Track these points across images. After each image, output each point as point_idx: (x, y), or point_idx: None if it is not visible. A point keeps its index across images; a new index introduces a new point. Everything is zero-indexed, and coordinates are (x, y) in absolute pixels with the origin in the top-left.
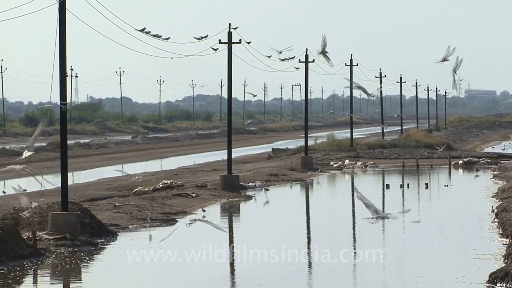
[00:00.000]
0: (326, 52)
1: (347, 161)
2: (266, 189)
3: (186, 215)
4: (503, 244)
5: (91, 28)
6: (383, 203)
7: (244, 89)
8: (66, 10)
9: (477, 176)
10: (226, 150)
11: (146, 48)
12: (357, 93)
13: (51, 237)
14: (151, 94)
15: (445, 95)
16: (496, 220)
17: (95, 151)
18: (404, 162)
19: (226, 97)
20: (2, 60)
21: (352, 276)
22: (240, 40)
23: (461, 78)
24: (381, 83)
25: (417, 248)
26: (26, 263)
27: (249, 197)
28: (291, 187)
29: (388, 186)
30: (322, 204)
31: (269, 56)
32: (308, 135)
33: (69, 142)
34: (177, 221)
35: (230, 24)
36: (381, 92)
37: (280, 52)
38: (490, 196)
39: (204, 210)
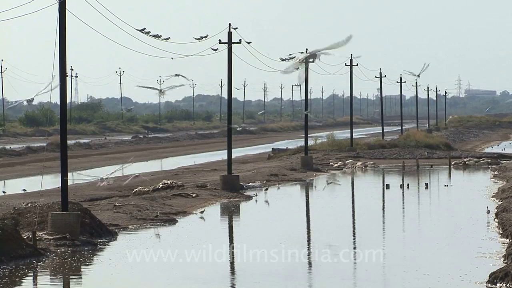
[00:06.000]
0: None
1: (350, 161)
2: (266, 189)
3: (186, 215)
4: (503, 244)
5: (91, 28)
6: (383, 203)
7: (244, 89)
8: (66, 10)
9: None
10: (226, 150)
11: (146, 48)
12: (357, 93)
13: (51, 237)
14: (151, 94)
15: (445, 95)
16: (495, 220)
17: (95, 151)
18: (404, 162)
19: (226, 97)
20: (2, 60)
21: (352, 276)
22: (240, 40)
23: (461, 79)
24: (381, 83)
25: (417, 247)
26: (26, 263)
27: (249, 197)
28: (278, 188)
29: (388, 186)
30: (322, 204)
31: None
32: (308, 135)
33: (69, 142)
34: (177, 221)
35: (230, 24)
36: (381, 92)
37: (283, 60)
38: (490, 196)
39: (202, 212)
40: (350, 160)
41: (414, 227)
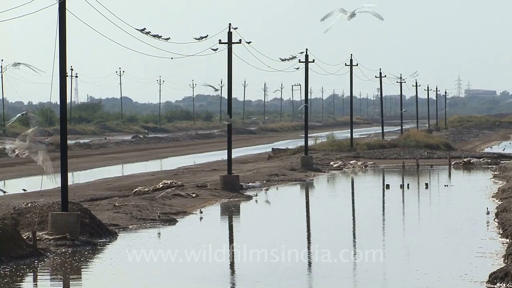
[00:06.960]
0: None
1: (353, 161)
2: (266, 189)
3: (186, 215)
4: (503, 244)
5: (91, 28)
6: (383, 203)
7: (244, 89)
8: (66, 10)
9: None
10: (226, 150)
11: (146, 48)
12: (357, 93)
13: (51, 237)
14: (151, 94)
15: (445, 95)
16: (496, 220)
17: (95, 151)
18: (404, 162)
19: (226, 97)
20: (2, 60)
21: (352, 276)
22: (240, 40)
23: (461, 79)
24: (381, 83)
25: (417, 247)
26: (26, 263)
27: (249, 197)
28: (277, 188)
29: (388, 186)
30: (322, 204)
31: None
32: (308, 135)
33: (69, 142)
34: (177, 221)
35: (230, 24)
36: (381, 92)
37: (283, 60)
38: (490, 196)
39: (202, 212)
40: (354, 161)
41: (414, 227)
